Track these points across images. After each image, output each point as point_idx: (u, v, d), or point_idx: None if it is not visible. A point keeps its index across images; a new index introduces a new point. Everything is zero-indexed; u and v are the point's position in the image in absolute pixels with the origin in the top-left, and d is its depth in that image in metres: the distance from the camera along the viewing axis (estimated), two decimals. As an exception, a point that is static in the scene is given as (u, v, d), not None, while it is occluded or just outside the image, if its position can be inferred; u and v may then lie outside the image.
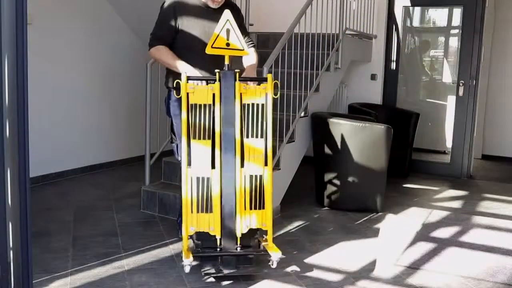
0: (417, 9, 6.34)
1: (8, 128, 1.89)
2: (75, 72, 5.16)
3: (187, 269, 2.83)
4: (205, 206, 2.94)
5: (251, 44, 3.46)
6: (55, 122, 4.98)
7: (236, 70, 3.00)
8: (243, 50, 3.02)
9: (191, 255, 2.85)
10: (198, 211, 2.93)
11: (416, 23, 6.51)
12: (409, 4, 6.08)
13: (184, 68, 3.11)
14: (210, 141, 2.95)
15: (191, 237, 3.01)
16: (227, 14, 2.96)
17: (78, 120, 5.24)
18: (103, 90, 5.48)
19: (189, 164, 2.93)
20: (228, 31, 2.96)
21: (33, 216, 2.04)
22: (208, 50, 2.98)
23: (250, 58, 3.34)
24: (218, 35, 2.95)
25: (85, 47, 5.22)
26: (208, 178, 2.93)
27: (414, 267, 3.18)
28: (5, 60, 1.86)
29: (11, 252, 1.95)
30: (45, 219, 3.86)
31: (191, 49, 3.24)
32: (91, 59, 5.31)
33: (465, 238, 3.73)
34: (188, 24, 3.25)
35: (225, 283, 2.89)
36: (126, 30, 5.64)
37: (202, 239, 3.00)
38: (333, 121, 4.20)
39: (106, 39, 5.44)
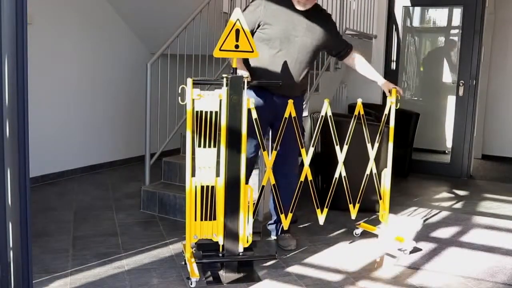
0: (417, 9, 6.34)
1: (8, 128, 1.89)
2: (75, 72, 5.16)
3: (193, 284, 2.79)
4: (209, 214, 2.93)
5: (347, 46, 3.55)
6: (55, 122, 4.98)
7: (244, 76, 2.88)
8: (253, 52, 2.87)
9: (197, 273, 2.81)
10: (202, 219, 2.92)
11: (416, 23, 6.51)
12: (409, 4, 6.08)
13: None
14: (215, 149, 2.89)
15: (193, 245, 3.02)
16: (236, 13, 2.82)
17: (78, 120, 5.24)
18: (103, 90, 5.48)
19: (193, 174, 2.89)
20: (237, 32, 2.81)
21: (33, 216, 2.05)
22: (216, 54, 2.85)
23: (357, 60, 3.57)
24: (227, 37, 2.80)
25: (85, 47, 5.22)
26: (212, 187, 2.92)
27: (414, 267, 3.18)
28: (5, 60, 1.86)
29: (11, 252, 1.95)
30: (45, 219, 3.86)
31: (270, 49, 3.21)
32: (91, 59, 5.31)
33: (465, 238, 3.73)
34: (271, 23, 3.18)
35: (225, 283, 2.89)
36: (126, 30, 5.64)
37: (203, 247, 3.02)
38: (333, 121, 4.19)
39: (106, 39, 5.43)
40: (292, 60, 3.24)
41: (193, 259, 2.90)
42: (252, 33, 3.18)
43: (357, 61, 3.58)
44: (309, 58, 3.33)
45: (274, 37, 3.19)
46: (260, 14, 3.17)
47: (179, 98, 2.89)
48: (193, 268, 2.82)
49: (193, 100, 2.82)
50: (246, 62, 3.26)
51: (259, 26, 3.20)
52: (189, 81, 2.81)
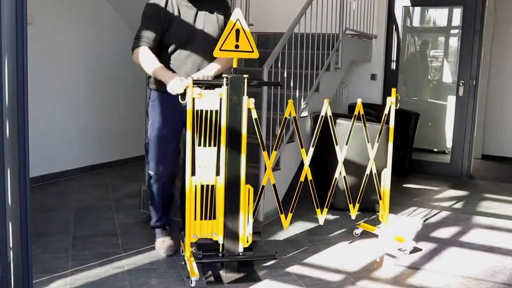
0: (417, 9, 6.34)
1: (8, 128, 1.89)
2: (75, 72, 5.16)
3: (193, 283, 2.78)
4: (209, 213, 2.93)
5: None
6: (55, 122, 4.98)
7: (245, 76, 2.88)
8: (253, 51, 2.87)
9: (197, 272, 2.81)
10: (201, 218, 2.92)
11: (416, 23, 6.51)
12: (409, 4, 6.08)
13: (173, 81, 2.89)
14: (215, 148, 2.90)
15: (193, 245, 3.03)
16: (237, 13, 2.82)
17: (78, 120, 5.24)
18: (103, 89, 5.48)
19: (193, 173, 2.88)
20: (237, 32, 2.81)
21: (33, 216, 2.05)
22: (216, 54, 2.86)
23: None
24: (227, 37, 2.80)
25: (85, 47, 5.22)
26: (212, 186, 2.92)
27: (414, 267, 3.18)
28: (5, 60, 1.86)
29: (11, 252, 1.95)
30: (45, 219, 3.86)
31: (178, 49, 3.11)
32: (91, 59, 5.31)
33: (465, 238, 3.73)
34: (168, 28, 3.08)
35: (225, 283, 2.89)
36: (126, 30, 5.63)
37: (203, 246, 3.03)
38: (333, 121, 4.19)
39: (106, 39, 5.43)
40: (199, 57, 3.11)
41: (192, 258, 2.90)
42: (159, 41, 3.07)
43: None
44: (215, 47, 3.13)
45: (176, 41, 3.08)
46: (160, 20, 3.06)
47: (179, 97, 2.88)
48: (193, 267, 2.82)
49: (193, 99, 2.82)
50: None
51: (164, 33, 3.08)
52: (189, 79, 2.81)
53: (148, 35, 3.06)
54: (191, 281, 2.77)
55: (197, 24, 3.13)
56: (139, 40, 3.07)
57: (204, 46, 3.11)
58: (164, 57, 3.09)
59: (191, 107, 2.82)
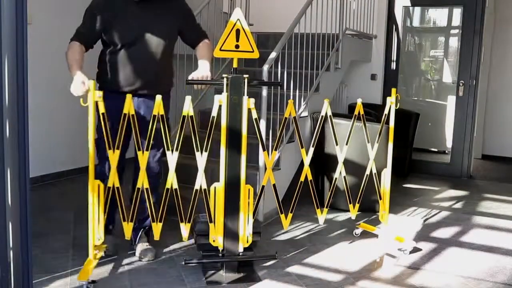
0: (417, 9, 6.34)
1: (8, 128, 1.89)
2: (75, 72, 5.15)
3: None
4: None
5: (201, 35, 3.28)
6: (55, 121, 4.98)
7: (245, 76, 2.86)
8: (253, 51, 2.86)
9: (88, 277, 2.71)
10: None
11: (416, 23, 6.51)
12: (409, 4, 6.08)
13: (74, 83, 2.96)
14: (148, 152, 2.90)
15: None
16: (237, 13, 2.81)
17: (78, 119, 5.22)
18: (103, 90, 5.48)
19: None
20: (237, 32, 2.79)
21: (33, 216, 2.05)
22: (216, 54, 2.84)
23: (201, 45, 3.22)
24: (227, 37, 2.79)
25: (85, 47, 5.21)
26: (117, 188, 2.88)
27: (414, 267, 3.18)
28: (5, 60, 1.86)
29: (11, 252, 1.95)
30: (45, 219, 3.85)
31: (124, 48, 3.05)
32: (91, 59, 5.30)
33: (465, 238, 3.73)
34: (112, 27, 3.01)
35: (225, 283, 2.89)
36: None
37: (203, 246, 3.03)
38: (333, 121, 4.19)
39: (106, 39, 5.42)
40: (146, 58, 3.05)
41: (95, 261, 2.85)
42: (99, 37, 3.09)
43: (200, 46, 3.24)
44: (165, 48, 3.10)
45: (122, 40, 3.01)
46: (99, 21, 3.01)
47: (82, 99, 2.85)
48: (89, 271, 2.73)
49: (96, 102, 2.77)
50: (102, 66, 3.18)
51: (102, 32, 3.05)
52: (91, 82, 2.76)
53: (85, 32, 3.07)
54: (83, 285, 2.68)
55: (145, 25, 3.02)
56: (75, 34, 3.13)
57: (152, 47, 3.04)
58: (110, 56, 3.05)
59: (93, 110, 2.77)
